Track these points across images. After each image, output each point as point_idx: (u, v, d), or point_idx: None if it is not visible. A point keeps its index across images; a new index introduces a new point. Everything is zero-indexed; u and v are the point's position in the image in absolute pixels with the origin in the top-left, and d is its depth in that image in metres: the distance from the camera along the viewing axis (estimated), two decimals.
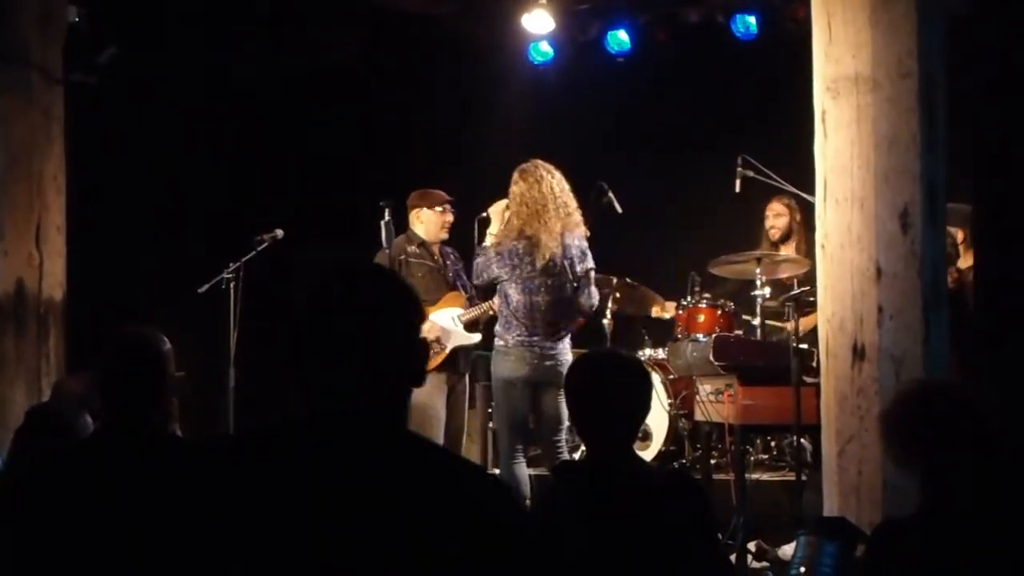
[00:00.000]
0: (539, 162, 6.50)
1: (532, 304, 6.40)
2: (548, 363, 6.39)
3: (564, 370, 6.25)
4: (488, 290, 6.82)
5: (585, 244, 6.48)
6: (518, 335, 6.43)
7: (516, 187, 6.46)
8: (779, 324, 7.21)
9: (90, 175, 7.13)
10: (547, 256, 6.33)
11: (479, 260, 6.60)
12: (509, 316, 6.47)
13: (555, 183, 6.41)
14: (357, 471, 2.15)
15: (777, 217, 7.97)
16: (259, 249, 7.27)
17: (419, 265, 7.14)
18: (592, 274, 6.50)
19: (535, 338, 6.41)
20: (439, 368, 7.02)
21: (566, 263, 6.39)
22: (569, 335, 6.54)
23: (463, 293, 7.19)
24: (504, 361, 6.48)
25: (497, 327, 6.61)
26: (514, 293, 6.44)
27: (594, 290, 6.55)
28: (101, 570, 3.08)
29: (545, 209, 6.36)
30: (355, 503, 2.13)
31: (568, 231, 6.39)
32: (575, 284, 6.44)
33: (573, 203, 6.46)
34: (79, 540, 3.12)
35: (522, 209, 6.41)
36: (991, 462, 3.00)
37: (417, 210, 7.23)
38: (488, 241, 6.56)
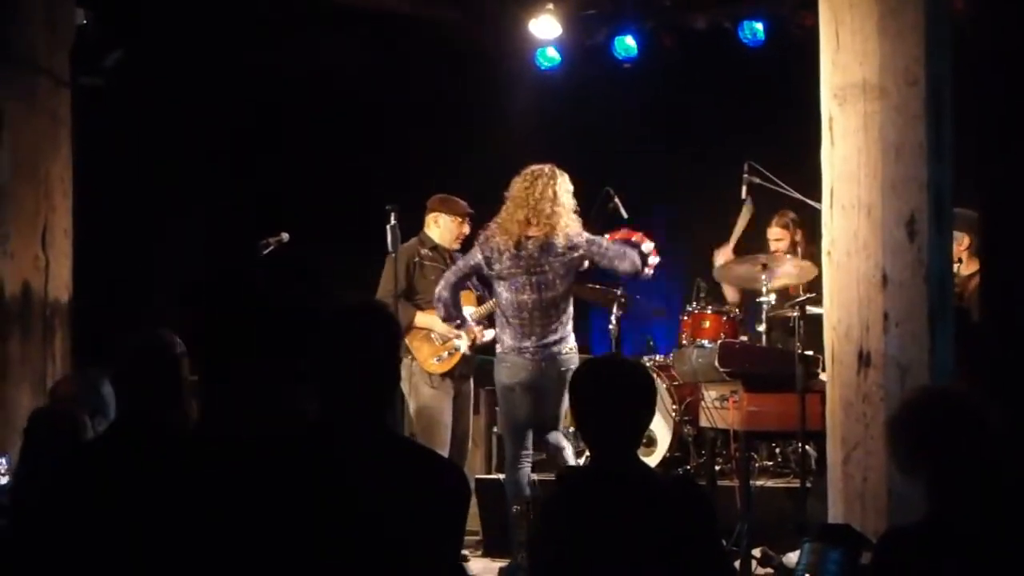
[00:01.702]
0: (546, 166, 6.49)
1: (519, 303, 6.38)
2: (545, 365, 6.34)
3: (567, 373, 6.28)
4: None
5: (577, 238, 6.37)
6: (511, 339, 6.41)
7: (516, 179, 6.50)
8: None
9: (97, 178, 7.13)
10: (524, 253, 6.32)
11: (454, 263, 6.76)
12: (502, 317, 6.49)
13: (539, 186, 6.37)
14: (355, 461, 2.71)
15: (778, 242, 7.95)
16: (265, 253, 7.27)
17: (432, 268, 7.14)
18: (603, 244, 6.40)
19: (527, 343, 6.37)
20: (445, 373, 7.03)
21: (550, 261, 6.35)
22: (571, 336, 6.48)
23: (474, 291, 7.19)
24: (501, 367, 6.50)
25: (496, 331, 6.62)
26: (503, 291, 6.44)
27: (623, 252, 6.41)
28: (117, 570, 3.09)
29: (525, 208, 6.35)
30: (353, 489, 2.63)
31: (553, 232, 6.35)
32: (566, 278, 6.41)
33: (561, 206, 6.39)
34: (95, 540, 3.13)
35: (508, 207, 6.44)
36: (997, 469, 3.00)
37: (436, 214, 7.24)
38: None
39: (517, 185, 6.45)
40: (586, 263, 6.46)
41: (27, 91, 6.38)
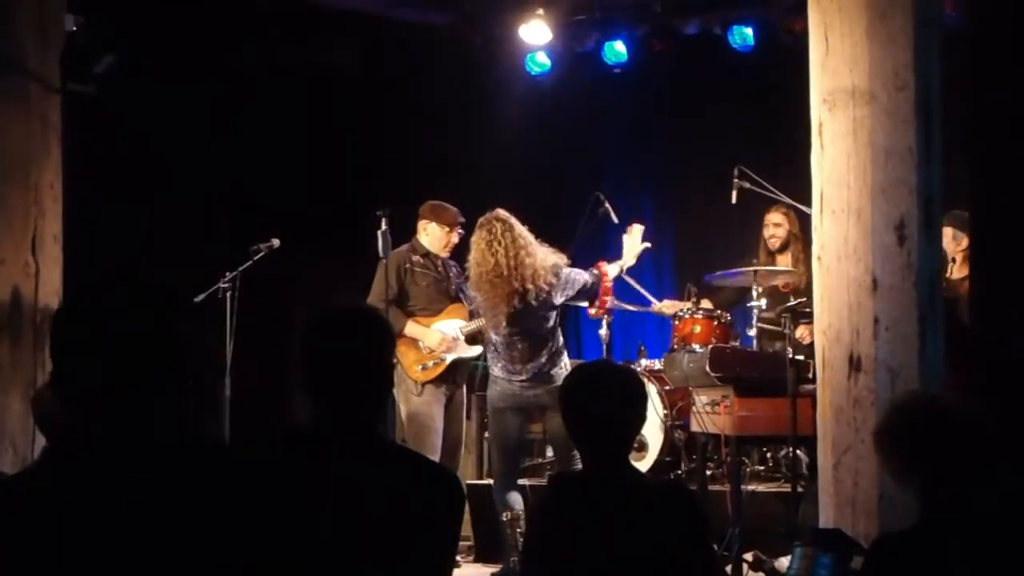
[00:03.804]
0: (495, 218, 6.45)
1: (508, 342, 6.50)
2: (537, 391, 6.41)
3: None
4: None
5: (552, 278, 6.39)
6: (500, 369, 6.55)
7: (472, 245, 6.50)
8: (775, 329, 7.20)
9: (87, 184, 7.12)
10: (508, 310, 6.36)
11: None
12: (491, 348, 6.59)
13: (496, 235, 6.36)
14: (348, 469, 2.68)
15: (776, 227, 7.94)
16: (256, 259, 7.26)
17: (423, 275, 7.13)
18: (571, 281, 6.47)
19: (516, 375, 6.49)
20: (438, 380, 7.01)
21: (532, 310, 6.37)
22: (563, 354, 6.53)
23: (466, 305, 7.18)
24: (493, 388, 6.61)
25: (488, 355, 6.67)
26: (491, 331, 6.55)
27: (575, 280, 6.50)
28: None
29: (494, 274, 6.35)
30: (346, 497, 2.60)
31: (534, 279, 6.34)
32: (549, 314, 6.46)
33: (525, 248, 6.37)
34: (85, 550, 3.10)
35: (473, 269, 6.46)
36: (988, 474, 3.00)
37: (426, 222, 7.20)
38: None
39: (476, 251, 6.44)
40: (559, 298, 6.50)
41: (17, 96, 6.36)
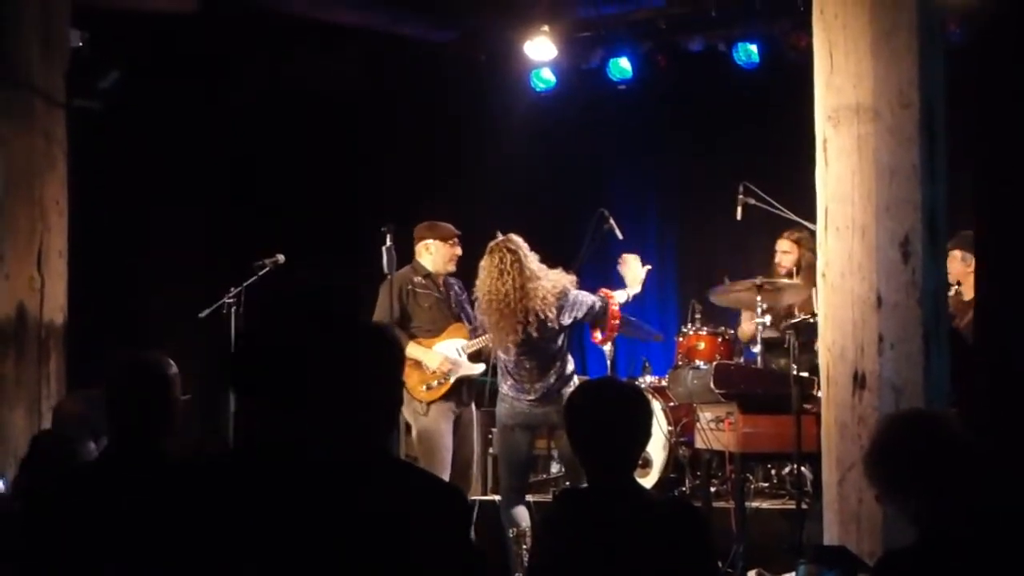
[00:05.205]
0: (506, 247, 6.39)
1: (516, 362, 6.47)
2: (546, 409, 6.40)
3: None
4: None
5: (563, 300, 6.35)
6: (510, 388, 6.51)
7: (481, 270, 6.44)
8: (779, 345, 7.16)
9: (92, 199, 7.13)
10: (507, 341, 6.34)
11: None
12: (501, 365, 6.57)
13: (506, 265, 6.31)
14: (353, 485, 2.51)
15: (784, 254, 7.84)
16: (260, 274, 7.26)
17: (426, 296, 7.11)
18: (578, 303, 6.39)
19: (525, 394, 6.46)
20: (445, 397, 7.00)
21: (542, 333, 6.35)
22: (572, 371, 6.53)
23: (466, 324, 7.15)
24: (502, 405, 6.58)
25: (498, 373, 6.65)
26: (500, 352, 6.52)
27: (582, 302, 6.42)
28: None
29: (497, 301, 6.31)
30: (351, 514, 2.48)
31: (544, 305, 6.32)
32: (557, 336, 6.43)
33: (533, 275, 6.33)
34: (88, 566, 3.10)
35: (482, 296, 6.42)
36: (988, 487, 3.00)
37: (426, 241, 7.18)
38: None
39: (487, 277, 6.38)
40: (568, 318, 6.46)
41: (22, 112, 6.38)
